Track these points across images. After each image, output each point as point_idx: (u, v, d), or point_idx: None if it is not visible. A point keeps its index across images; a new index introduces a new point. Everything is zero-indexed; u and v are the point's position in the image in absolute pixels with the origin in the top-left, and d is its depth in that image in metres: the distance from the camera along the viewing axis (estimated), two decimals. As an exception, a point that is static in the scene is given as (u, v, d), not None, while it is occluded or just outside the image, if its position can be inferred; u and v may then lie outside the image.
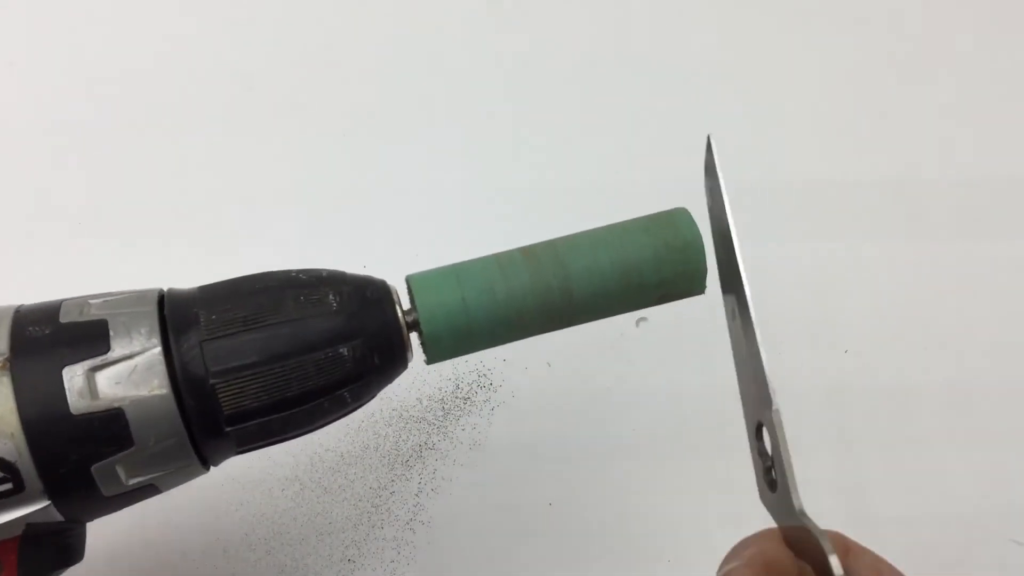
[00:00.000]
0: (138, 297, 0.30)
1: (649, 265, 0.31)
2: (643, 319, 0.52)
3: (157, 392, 0.27)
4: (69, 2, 0.59)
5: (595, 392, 0.52)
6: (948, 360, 0.54)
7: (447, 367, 0.50)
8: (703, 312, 0.55)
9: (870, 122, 0.61)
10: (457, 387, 0.50)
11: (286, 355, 0.29)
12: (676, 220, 0.32)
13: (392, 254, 0.54)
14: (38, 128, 0.56)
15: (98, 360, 0.27)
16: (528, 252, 0.32)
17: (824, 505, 0.48)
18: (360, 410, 0.49)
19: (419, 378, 0.50)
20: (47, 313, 0.29)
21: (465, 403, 0.50)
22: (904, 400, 0.52)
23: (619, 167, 0.59)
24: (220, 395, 0.28)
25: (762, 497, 0.28)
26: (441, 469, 0.48)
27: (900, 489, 0.50)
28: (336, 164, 0.57)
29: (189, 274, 0.53)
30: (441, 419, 0.49)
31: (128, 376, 0.27)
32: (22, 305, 0.29)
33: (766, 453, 0.27)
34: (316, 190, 0.56)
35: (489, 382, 0.50)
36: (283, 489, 0.47)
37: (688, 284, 0.32)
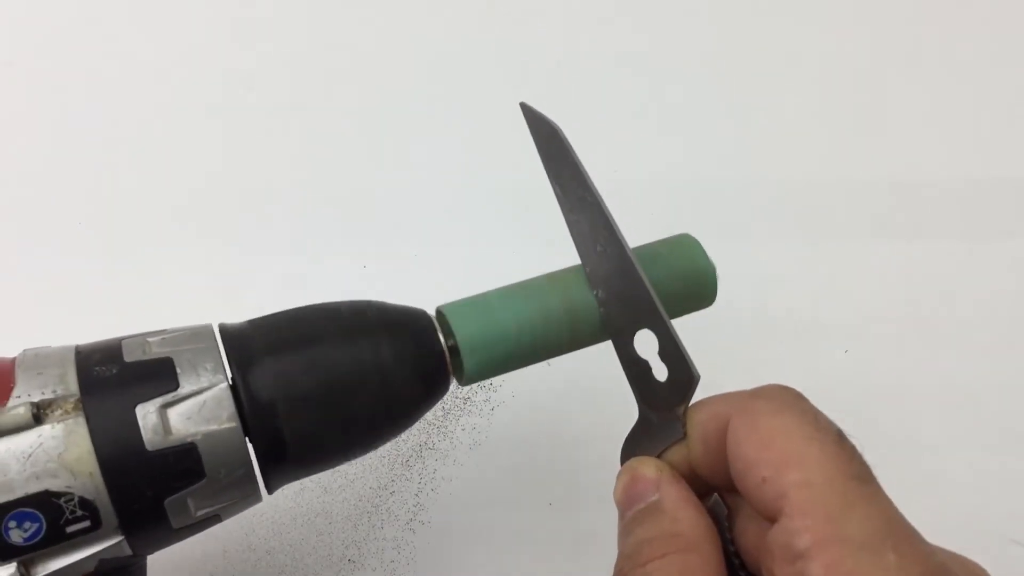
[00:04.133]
0: (194, 333, 0.30)
1: (668, 287, 0.33)
2: (643, 319, 0.52)
3: (227, 425, 0.28)
4: (69, 2, 0.59)
5: (595, 392, 0.52)
6: (948, 360, 0.54)
7: (447, 367, 0.50)
8: (701, 312, 0.55)
9: (870, 122, 0.61)
10: (457, 387, 0.50)
11: (343, 383, 0.30)
12: (687, 246, 0.35)
13: (392, 254, 0.54)
14: (38, 128, 0.56)
15: (169, 397, 0.28)
16: (553, 279, 0.34)
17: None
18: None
19: (419, 378, 0.50)
20: (110, 353, 0.29)
21: (465, 403, 0.50)
22: (904, 400, 0.52)
23: (618, 166, 0.59)
24: (285, 425, 0.29)
25: (632, 440, 0.30)
26: (441, 469, 0.48)
27: (900, 489, 0.50)
28: (336, 165, 0.57)
29: (190, 274, 0.53)
30: (441, 419, 0.49)
31: (199, 411, 0.28)
32: (80, 345, 0.30)
33: (639, 358, 0.30)
34: (316, 191, 0.56)
35: (489, 382, 0.50)
36: (283, 489, 0.47)
37: (700, 302, 0.35)
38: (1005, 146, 0.61)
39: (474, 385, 0.50)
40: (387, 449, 0.48)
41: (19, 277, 0.52)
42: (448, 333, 0.33)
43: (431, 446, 0.48)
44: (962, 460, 0.51)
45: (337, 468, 0.47)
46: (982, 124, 0.61)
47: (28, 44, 0.58)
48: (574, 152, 0.32)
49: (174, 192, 0.55)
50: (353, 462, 0.47)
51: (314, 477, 0.47)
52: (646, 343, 0.30)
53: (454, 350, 0.33)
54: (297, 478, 0.32)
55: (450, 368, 0.33)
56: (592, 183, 0.31)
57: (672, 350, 0.28)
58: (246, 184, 0.56)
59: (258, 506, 0.46)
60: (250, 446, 0.29)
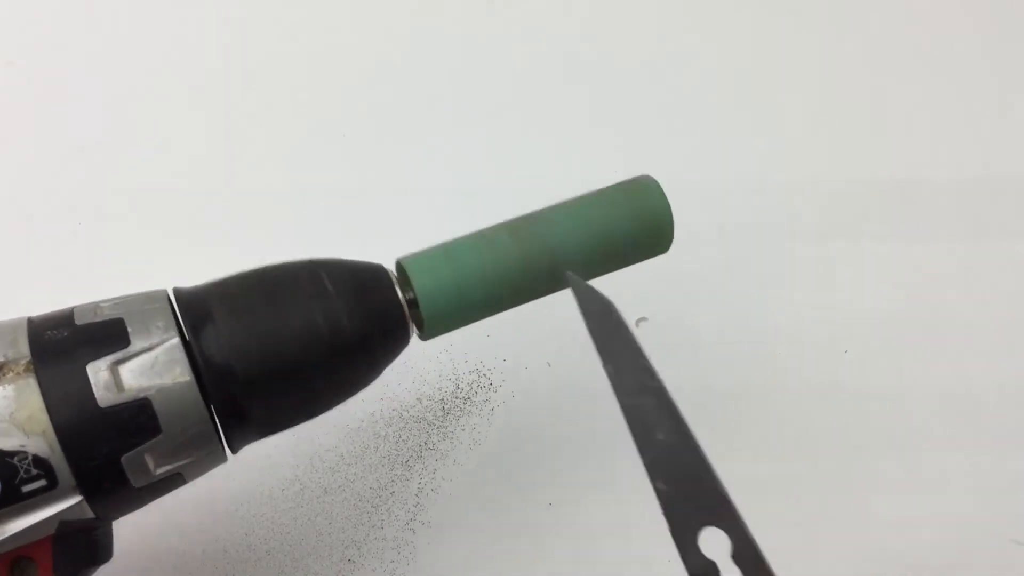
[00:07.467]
0: (147, 296, 0.31)
1: (624, 230, 0.34)
2: (643, 319, 0.52)
3: (180, 379, 0.29)
4: (69, 2, 0.59)
5: (595, 392, 0.51)
6: (948, 360, 0.54)
7: (447, 367, 0.50)
8: (702, 312, 0.55)
9: (870, 122, 0.61)
10: (457, 387, 0.50)
11: (298, 339, 0.30)
12: (644, 187, 0.35)
13: (391, 254, 0.53)
14: (38, 128, 0.56)
15: (120, 354, 0.28)
16: (512, 225, 0.34)
17: (823, 507, 0.49)
18: (360, 410, 0.49)
19: (419, 378, 0.50)
20: (62, 318, 0.30)
21: (465, 403, 0.50)
22: (904, 401, 0.52)
23: (618, 167, 0.59)
24: (240, 378, 0.29)
25: None
26: (441, 469, 0.48)
27: (900, 489, 0.50)
28: (335, 164, 0.57)
29: (190, 274, 0.53)
30: (441, 419, 0.49)
31: (151, 367, 0.28)
32: (33, 315, 0.30)
33: (706, 559, 0.27)
34: (315, 190, 0.56)
35: (489, 382, 0.50)
36: (283, 489, 0.47)
37: (657, 246, 0.35)
38: (1005, 146, 0.61)
39: (474, 385, 0.51)
40: (387, 449, 0.48)
41: (18, 277, 0.52)
42: (407, 286, 0.33)
43: (431, 446, 0.48)
44: (962, 460, 0.51)
45: (337, 469, 0.47)
46: (982, 123, 0.61)
47: (30, 44, 0.58)
48: (631, 332, 0.30)
49: (174, 193, 0.55)
50: (353, 463, 0.48)
51: (313, 477, 0.47)
52: (712, 542, 0.27)
53: (413, 303, 0.33)
54: (261, 436, 0.32)
55: (408, 321, 0.33)
56: (653, 366, 0.29)
57: (750, 554, 0.26)
58: (246, 185, 0.56)
59: (258, 506, 0.47)
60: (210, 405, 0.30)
